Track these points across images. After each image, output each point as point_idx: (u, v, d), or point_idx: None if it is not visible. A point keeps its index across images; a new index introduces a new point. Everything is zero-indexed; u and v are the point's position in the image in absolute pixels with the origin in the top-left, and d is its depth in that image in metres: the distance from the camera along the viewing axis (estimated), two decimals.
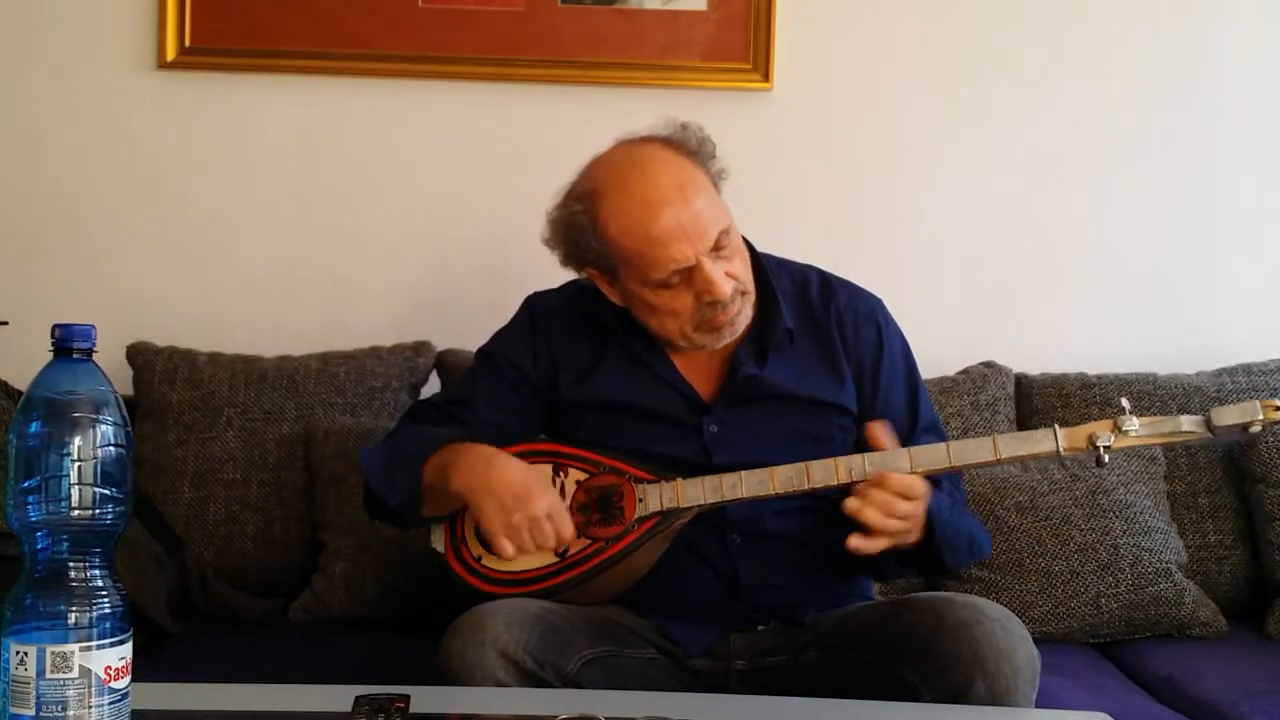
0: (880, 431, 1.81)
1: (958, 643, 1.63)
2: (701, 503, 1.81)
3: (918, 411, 2.01)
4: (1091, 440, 1.74)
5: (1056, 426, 1.77)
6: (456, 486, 1.80)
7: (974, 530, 1.94)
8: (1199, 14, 2.81)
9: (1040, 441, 1.77)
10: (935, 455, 1.79)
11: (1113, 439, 1.73)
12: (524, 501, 1.76)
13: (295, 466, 2.48)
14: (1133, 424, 1.73)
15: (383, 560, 2.36)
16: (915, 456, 1.78)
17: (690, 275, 1.82)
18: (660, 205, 1.81)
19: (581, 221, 1.88)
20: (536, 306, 2.07)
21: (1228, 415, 1.71)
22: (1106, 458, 1.74)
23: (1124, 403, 1.78)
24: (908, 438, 1.95)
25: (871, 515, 1.73)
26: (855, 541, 1.73)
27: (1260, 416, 1.70)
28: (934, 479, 1.83)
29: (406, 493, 1.87)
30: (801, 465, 1.79)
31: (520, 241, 2.72)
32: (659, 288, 1.85)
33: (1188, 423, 1.73)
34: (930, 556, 1.85)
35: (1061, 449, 1.76)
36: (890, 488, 1.73)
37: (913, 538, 1.80)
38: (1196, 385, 2.59)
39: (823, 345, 1.98)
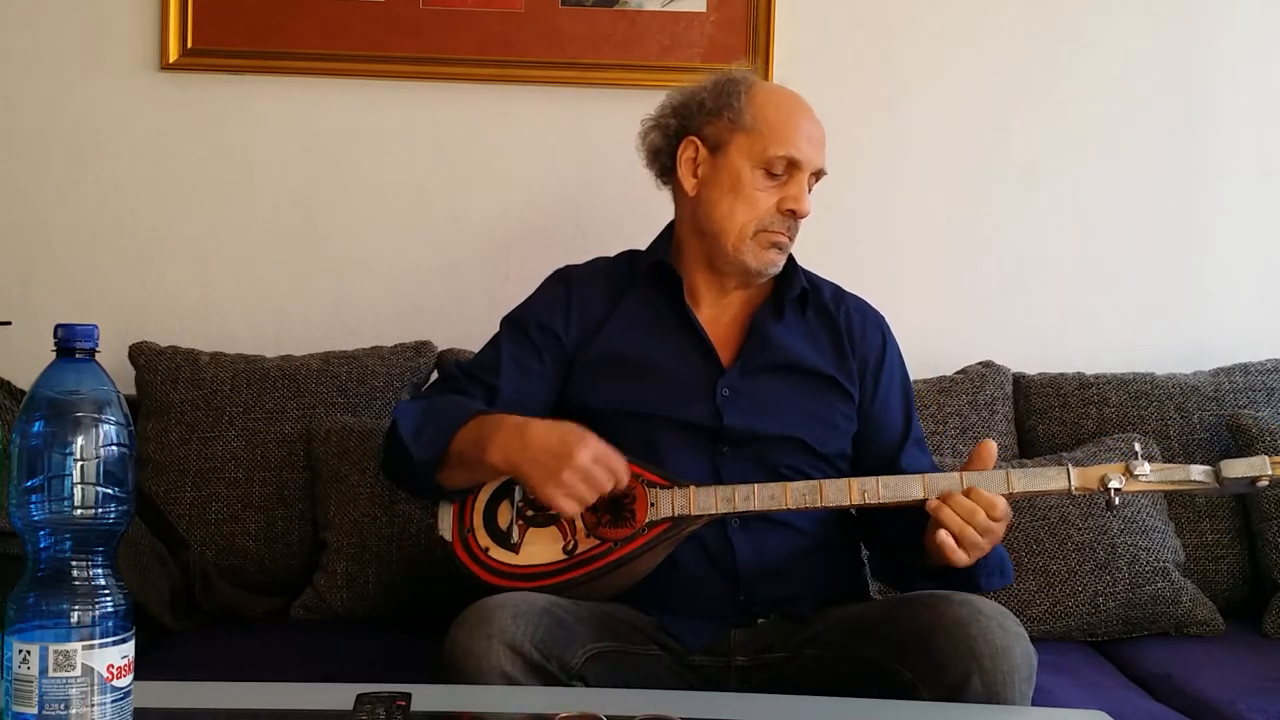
0: (990, 449, 1.83)
1: (954, 640, 1.63)
2: (713, 512, 1.82)
3: (910, 423, 2.08)
4: (1103, 482, 1.77)
5: (1069, 465, 1.79)
6: (494, 460, 1.80)
7: (1003, 554, 1.94)
8: (1198, 16, 2.81)
9: (1053, 479, 1.80)
10: (949, 484, 1.79)
11: (1124, 482, 1.76)
12: (565, 457, 1.75)
13: (297, 466, 2.48)
14: (1144, 469, 1.77)
15: (384, 559, 2.37)
16: (929, 483, 1.79)
17: (790, 177, 1.97)
18: (807, 112, 2.02)
19: (741, 80, 2.03)
20: (570, 274, 2.13)
21: (1236, 469, 1.75)
22: (1117, 500, 1.77)
23: (1136, 447, 1.81)
24: (901, 444, 2.04)
25: (949, 518, 1.74)
26: (943, 535, 1.73)
27: (1269, 472, 1.73)
28: None
29: (432, 453, 1.88)
30: (815, 483, 1.81)
31: (521, 241, 2.75)
32: (760, 170, 1.97)
33: (1197, 473, 1.77)
34: (966, 575, 1.85)
35: (1073, 487, 1.78)
36: (977, 499, 1.75)
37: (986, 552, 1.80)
38: (1194, 385, 2.60)
39: (833, 335, 2.06)
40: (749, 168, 1.97)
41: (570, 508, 1.76)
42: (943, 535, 1.73)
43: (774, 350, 2.01)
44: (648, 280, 2.07)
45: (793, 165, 1.96)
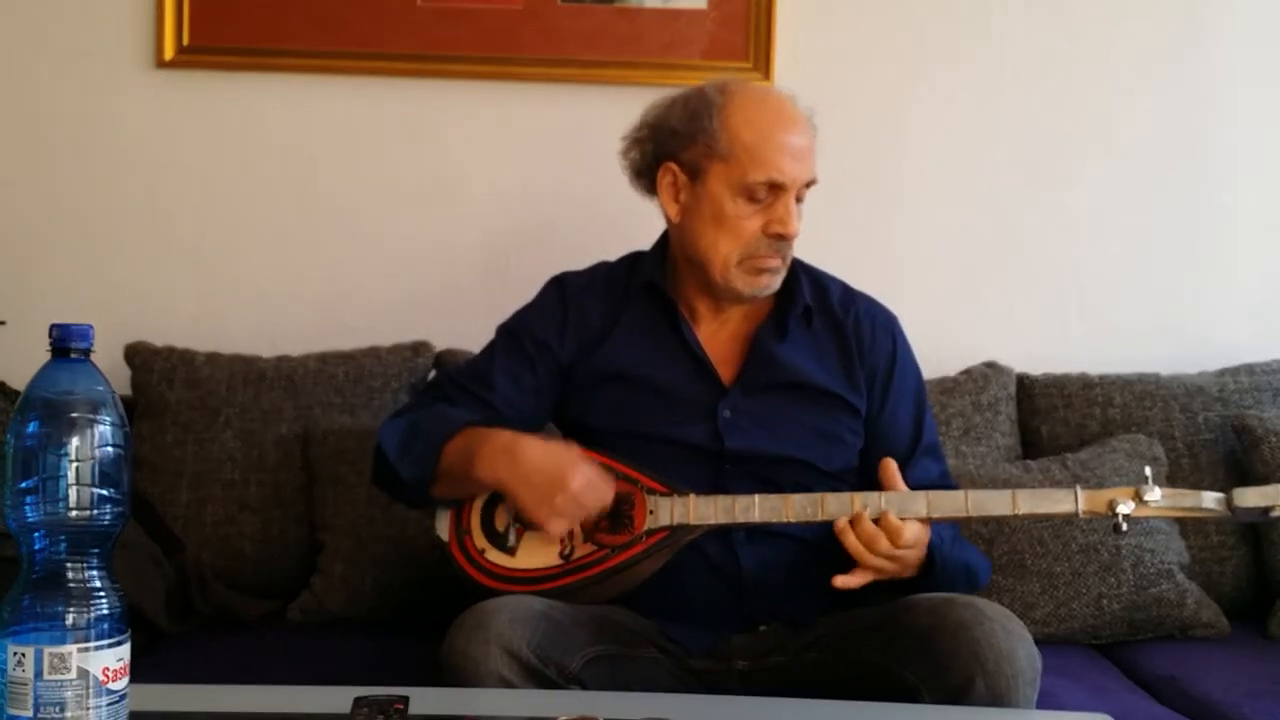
0: (891, 471, 1.82)
1: (958, 643, 1.63)
2: (712, 522, 1.81)
3: (921, 431, 2.04)
4: (1112, 506, 1.74)
5: (1078, 488, 1.77)
6: (484, 477, 1.80)
7: (970, 561, 1.95)
8: (1200, 15, 2.81)
9: (1060, 501, 1.77)
10: (953, 503, 1.79)
11: (1133, 507, 1.73)
12: (559, 482, 1.76)
13: (294, 467, 2.48)
14: (1154, 494, 1.74)
15: (381, 561, 2.36)
16: (933, 501, 1.78)
17: (774, 199, 1.89)
18: (791, 122, 1.92)
19: (713, 99, 1.93)
20: (567, 283, 2.09)
21: (1249, 497, 1.72)
22: (1125, 526, 1.74)
23: (1147, 471, 1.78)
24: (909, 455, 1.99)
25: (852, 543, 1.75)
26: (840, 580, 1.76)
27: None
28: None
29: (421, 471, 1.88)
30: (817, 496, 1.80)
31: (520, 240, 2.75)
32: (741, 196, 1.89)
33: (1209, 500, 1.74)
34: (930, 588, 1.85)
35: (1081, 511, 1.76)
36: (883, 525, 1.75)
37: (905, 574, 1.81)
38: (1199, 385, 2.60)
39: (840, 346, 2.02)
40: (729, 196, 1.89)
41: (561, 529, 1.79)
42: (839, 580, 1.76)
43: (777, 369, 1.97)
44: (646, 295, 2.03)
45: (776, 187, 1.88)
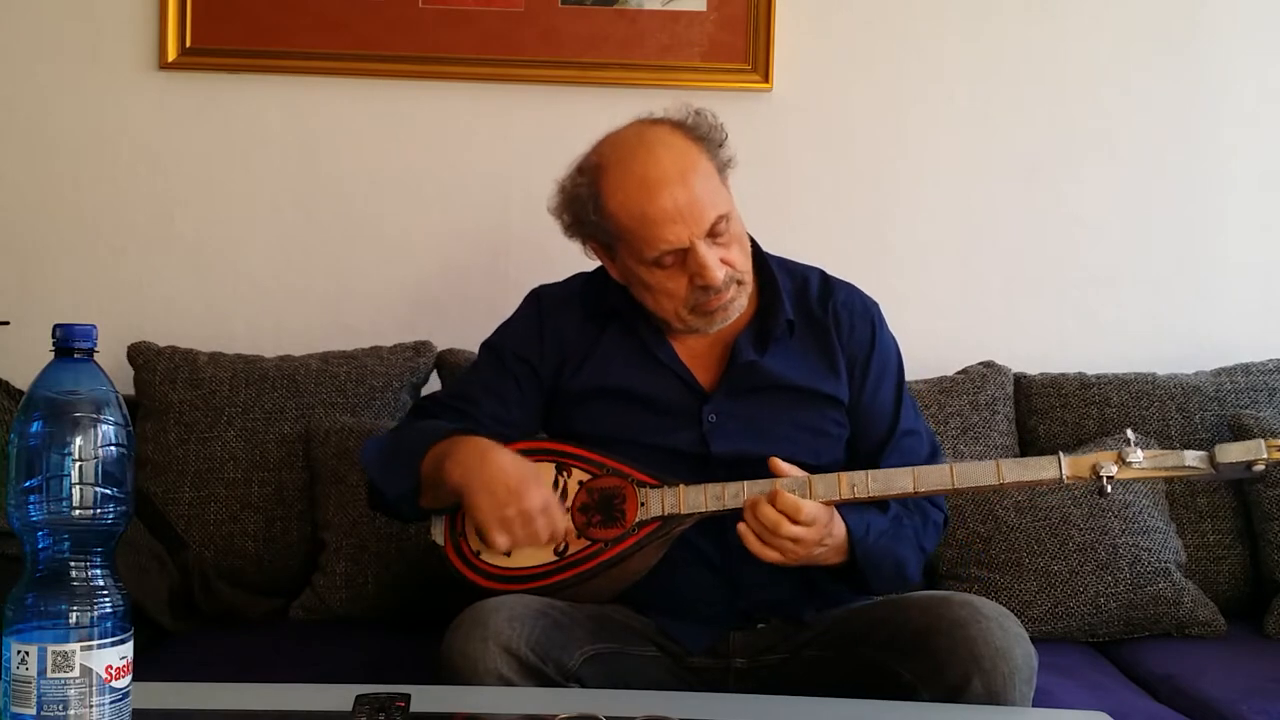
0: (780, 465, 1.80)
1: (954, 641, 1.63)
2: (703, 510, 1.82)
3: (900, 414, 2.01)
4: (1095, 470, 1.75)
5: (1061, 454, 1.77)
6: (452, 479, 1.79)
7: (905, 559, 1.91)
8: (1197, 16, 2.81)
9: (1044, 469, 1.78)
10: (939, 476, 1.79)
11: (1116, 470, 1.74)
12: (517, 496, 1.75)
13: (296, 466, 2.48)
14: (1137, 456, 1.74)
15: (383, 560, 2.36)
16: (919, 475, 1.79)
17: (684, 258, 1.85)
18: (660, 186, 1.83)
19: (584, 194, 1.90)
20: (544, 297, 2.08)
21: (1232, 453, 1.72)
22: (1109, 488, 1.74)
23: (1129, 434, 1.78)
24: (888, 438, 1.98)
25: (750, 521, 1.75)
26: (743, 528, 1.75)
27: (1264, 455, 1.70)
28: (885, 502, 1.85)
29: (404, 485, 1.88)
30: (804, 478, 1.79)
31: (520, 241, 2.75)
32: (653, 266, 1.87)
33: (1191, 458, 1.74)
34: (855, 578, 1.85)
35: (1065, 477, 1.76)
36: (778, 504, 1.73)
37: (829, 559, 1.80)
38: (1195, 385, 2.60)
39: (820, 340, 2.00)
40: (643, 269, 1.88)
41: (501, 544, 1.76)
42: (742, 527, 1.75)
43: (758, 376, 1.96)
44: (626, 308, 2.00)
45: (677, 251, 1.85)
